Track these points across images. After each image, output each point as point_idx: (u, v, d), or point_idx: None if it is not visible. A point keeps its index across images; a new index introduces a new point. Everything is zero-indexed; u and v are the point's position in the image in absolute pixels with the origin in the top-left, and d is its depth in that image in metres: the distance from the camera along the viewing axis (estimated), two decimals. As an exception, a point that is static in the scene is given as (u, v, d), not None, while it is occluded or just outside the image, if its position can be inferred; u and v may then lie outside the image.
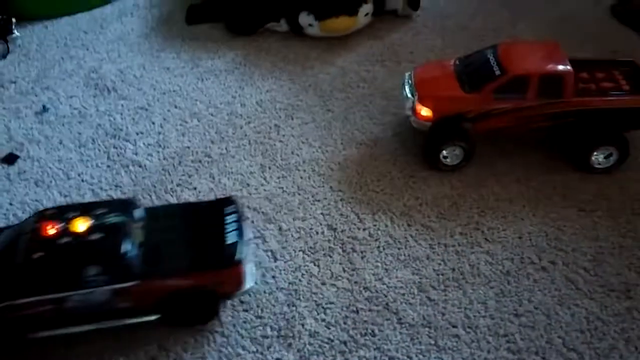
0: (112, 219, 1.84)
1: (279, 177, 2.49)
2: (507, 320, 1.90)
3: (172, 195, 2.41)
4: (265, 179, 2.49)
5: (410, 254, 2.14)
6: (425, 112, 2.32)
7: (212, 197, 2.41)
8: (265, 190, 2.43)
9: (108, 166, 2.54)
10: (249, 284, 1.91)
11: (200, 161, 2.58)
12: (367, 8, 3.20)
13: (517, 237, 2.17)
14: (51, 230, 1.81)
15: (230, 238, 1.90)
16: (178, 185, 2.46)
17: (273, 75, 3.07)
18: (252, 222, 2.28)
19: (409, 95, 2.41)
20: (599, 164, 2.31)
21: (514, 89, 2.18)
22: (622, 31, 3.20)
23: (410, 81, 2.45)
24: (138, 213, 1.94)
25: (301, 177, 2.49)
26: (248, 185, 2.46)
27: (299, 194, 2.41)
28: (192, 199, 2.39)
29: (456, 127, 2.31)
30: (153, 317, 1.88)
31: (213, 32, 3.40)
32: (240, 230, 1.93)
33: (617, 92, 2.20)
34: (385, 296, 2.00)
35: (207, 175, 2.51)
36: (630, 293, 1.95)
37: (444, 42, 3.23)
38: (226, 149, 2.64)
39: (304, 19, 3.20)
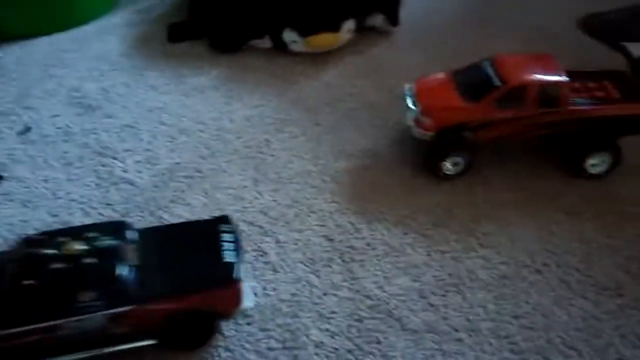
0: (105, 242, 1.75)
1: (272, 191, 2.50)
2: (507, 323, 1.95)
3: (165, 212, 2.38)
4: (259, 192, 2.49)
5: (409, 261, 2.17)
6: (428, 122, 2.38)
7: (206, 212, 2.40)
8: (260, 203, 2.44)
9: (97, 184, 2.49)
10: (247, 303, 1.87)
11: (191, 177, 2.56)
12: (349, 24, 3.27)
13: (510, 241, 2.23)
14: (42, 255, 1.70)
15: (227, 257, 1.85)
16: (171, 201, 2.44)
17: (259, 91, 3.10)
18: (249, 235, 2.29)
19: (411, 106, 2.46)
20: (593, 169, 2.40)
21: (513, 98, 2.23)
22: (591, 43, 3.37)
23: (411, 93, 2.51)
24: (131, 235, 1.86)
25: (295, 190, 2.50)
26: (242, 199, 2.46)
27: (294, 207, 2.42)
28: (187, 215, 2.37)
29: (458, 137, 2.36)
30: (150, 342, 1.80)
31: (196, 50, 3.41)
32: (237, 249, 1.89)
33: (608, 101, 2.29)
34: (387, 303, 2.02)
35: (199, 191, 2.49)
36: (621, 291, 2.02)
37: (424, 56, 3.32)
38: (217, 164, 2.63)
39: (288, 35, 3.24)
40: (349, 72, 3.24)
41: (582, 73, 2.41)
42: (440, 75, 2.52)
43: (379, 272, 2.14)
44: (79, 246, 1.73)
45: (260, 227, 2.33)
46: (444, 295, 2.02)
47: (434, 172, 2.40)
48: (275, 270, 2.15)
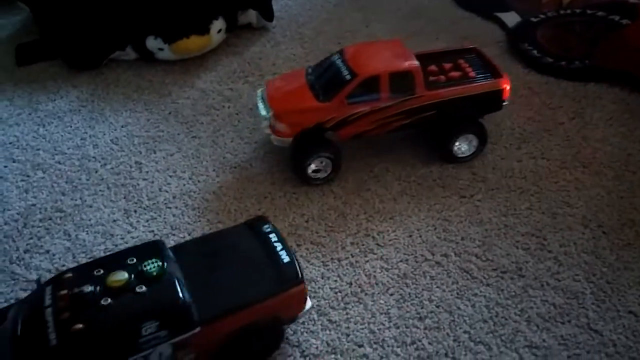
0: (150, 265, 1.49)
1: (147, 220, 2.22)
2: (412, 327, 1.81)
3: (19, 265, 2.03)
4: (131, 224, 2.20)
5: (304, 276, 1.98)
6: (284, 128, 2.17)
7: (69, 257, 2.08)
8: (133, 237, 2.15)
9: None
10: (309, 303, 1.71)
11: (50, 218, 2.22)
12: (218, 25, 3.02)
13: (407, 236, 2.10)
14: (85, 294, 1.41)
15: (285, 257, 1.66)
16: (26, 251, 2.09)
17: (127, 108, 2.78)
18: (122, 277, 2.00)
19: (264, 112, 2.25)
20: (462, 152, 2.32)
21: (366, 91, 2.08)
22: (467, 17, 3.35)
23: (263, 97, 2.29)
24: (169, 254, 1.59)
25: (173, 215, 2.24)
26: (112, 235, 2.16)
27: (173, 234, 2.16)
28: (46, 264, 2.04)
29: (319, 139, 2.18)
30: None
31: (52, 71, 3.02)
32: (287, 247, 1.71)
33: (465, 80, 2.19)
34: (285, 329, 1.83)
35: (60, 234, 2.16)
36: (522, 271, 1.96)
37: (303, 49, 3.15)
38: (81, 198, 2.31)
39: (152, 43, 2.94)
40: (226, 75, 3.00)
41: (436, 54, 2.31)
42: (293, 74, 2.33)
43: (272, 295, 1.92)
44: (120, 277, 1.45)
45: (135, 265, 2.04)
46: (344, 309, 1.86)
47: (303, 179, 2.23)
48: (154, 314, 1.87)
